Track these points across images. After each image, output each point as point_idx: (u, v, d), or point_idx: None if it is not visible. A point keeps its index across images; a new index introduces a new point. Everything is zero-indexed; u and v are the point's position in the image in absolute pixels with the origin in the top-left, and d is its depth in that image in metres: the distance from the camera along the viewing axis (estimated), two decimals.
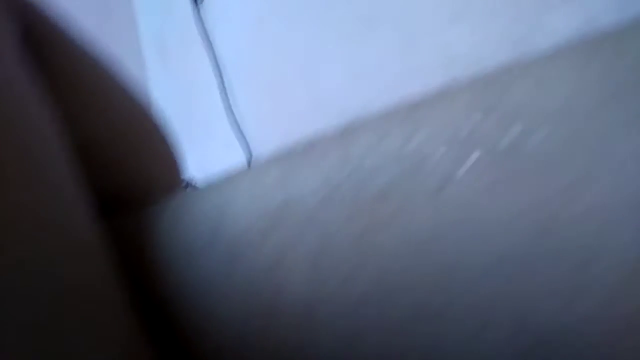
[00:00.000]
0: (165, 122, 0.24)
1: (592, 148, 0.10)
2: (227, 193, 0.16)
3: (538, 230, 0.10)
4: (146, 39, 1.57)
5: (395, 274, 0.12)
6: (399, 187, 0.12)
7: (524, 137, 0.11)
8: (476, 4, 0.80)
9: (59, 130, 0.15)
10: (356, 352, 0.13)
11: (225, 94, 1.27)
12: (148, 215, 0.17)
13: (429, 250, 0.12)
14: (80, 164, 0.16)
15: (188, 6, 1.33)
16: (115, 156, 0.20)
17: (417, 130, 0.13)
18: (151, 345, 0.16)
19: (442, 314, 0.11)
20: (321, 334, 0.13)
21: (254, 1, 1.17)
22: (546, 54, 0.12)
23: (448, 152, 0.12)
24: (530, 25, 0.77)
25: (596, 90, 0.10)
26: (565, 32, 0.73)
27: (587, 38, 0.12)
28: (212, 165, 1.43)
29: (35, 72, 0.15)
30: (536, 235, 0.10)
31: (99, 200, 0.20)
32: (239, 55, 1.26)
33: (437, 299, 0.11)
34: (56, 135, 0.15)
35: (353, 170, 0.13)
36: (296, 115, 1.12)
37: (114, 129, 0.20)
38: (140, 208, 0.18)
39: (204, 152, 1.47)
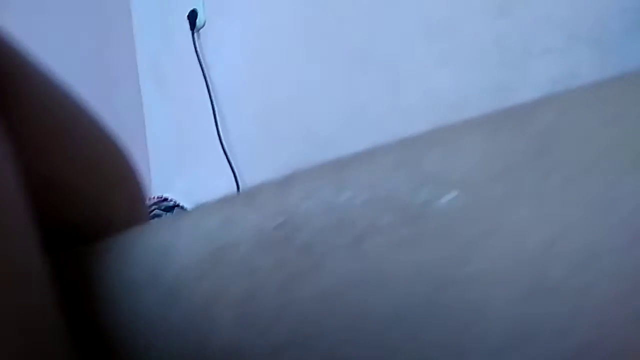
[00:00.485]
0: (128, 153, 0.24)
1: (487, 216, 0.11)
2: (171, 233, 0.16)
3: (435, 288, 0.11)
4: (143, 64, 1.60)
5: (313, 322, 0.13)
6: (322, 240, 0.13)
7: (432, 200, 0.12)
8: (462, 51, 0.83)
9: (10, 161, 0.15)
10: None
11: (217, 122, 1.29)
12: (94, 251, 0.18)
13: (343, 301, 0.12)
14: (38, 196, 0.17)
15: (186, 33, 1.36)
16: (76, 189, 0.21)
17: (344, 186, 0.13)
18: None
19: None
20: None
21: (251, 33, 1.20)
22: (462, 122, 0.13)
23: (368, 209, 0.13)
24: (513, 72, 0.79)
25: (498, 161, 0.11)
26: (547, 81, 0.75)
27: (497, 110, 0.12)
28: (200, 191, 1.43)
29: None
30: (433, 292, 0.11)
31: (59, 232, 0.20)
32: (232, 85, 1.28)
33: (347, 347, 0.12)
34: (7, 165, 0.15)
35: (284, 221, 0.14)
36: (284, 147, 1.13)
37: (74, 163, 0.20)
38: (93, 242, 0.19)
39: (194, 177, 1.47)
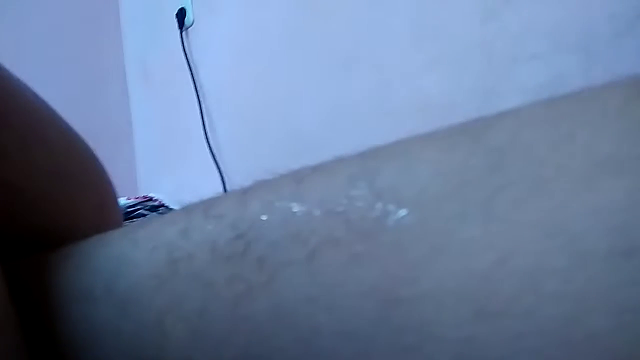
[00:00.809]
0: (95, 158, 0.24)
1: (438, 234, 0.11)
2: (128, 243, 0.16)
3: (385, 306, 0.11)
4: (131, 62, 1.59)
5: (266, 339, 0.12)
6: (277, 254, 0.13)
7: (385, 215, 0.11)
8: (449, 54, 0.83)
9: None
10: None
11: (204, 121, 1.28)
12: (52, 258, 0.17)
13: (295, 317, 0.12)
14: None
15: (174, 32, 1.35)
16: (40, 194, 0.20)
17: (300, 200, 0.13)
18: None
19: None
20: None
21: (239, 33, 1.19)
22: (419, 136, 0.13)
23: (323, 223, 0.12)
24: (500, 77, 0.79)
25: (451, 178, 0.11)
26: (533, 86, 0.75)
27: (454, 124, 0.12)
28: (187, 191, 1.42)
29: None
30: (383, 311, 0.11)
31: (23, 238, 0.20)
32: (220, 84, 1.27)
33: None
34: None
35: (240, 234, 0.14)
36: (272, 147, 1.13)
37: (38, 167, 0.20)
38: (54, 249, 0.18)
39: (180, 177, 1.46)
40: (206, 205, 0.15)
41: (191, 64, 1.30)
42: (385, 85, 0.91)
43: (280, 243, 0.13)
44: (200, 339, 0.13)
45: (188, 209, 0.16)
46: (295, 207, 0.13)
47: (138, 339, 0.14)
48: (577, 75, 0.69)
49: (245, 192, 0.15)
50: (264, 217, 0.13)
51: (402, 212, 0.11)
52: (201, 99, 1.29)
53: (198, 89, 1.29)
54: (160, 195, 1.38)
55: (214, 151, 1.26)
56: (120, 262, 0.16)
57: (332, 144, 0.99)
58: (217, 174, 1.26)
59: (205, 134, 1.27)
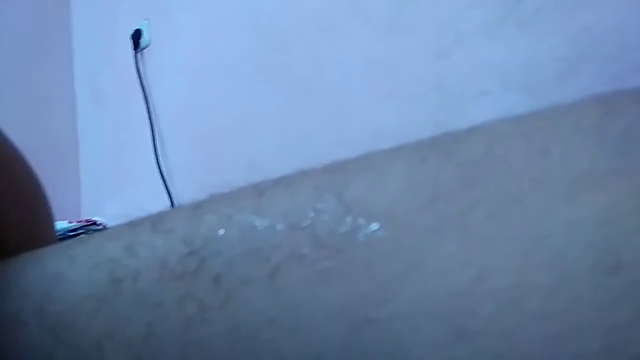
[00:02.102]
0: (28, 167, 0.22)
1: (411, 249, 0.10)
2: (64, 261, 0.14)
3: (354, 328, 0.10)
4: (81, 81, 1.54)
5: None
6: (235, 272, 0.12)
7: (355, 230, 0.11)
8: (404, 89, 0.85)
9: None
10: None
11: (155, 144, 1.25)
12: None
13: (255, 341, 0.11)
14: None
15: (128, 53, 1.32)
16: None
17: (262, 213, 0.12)
18: None
19: None
20: None
21: (196, 57, 1.18)
22: (389, 149, 0.12)
23: (286, 238, 0.11)
24: (451, 111, 0.82)
25: (424, 191, 0.10)
26: (481, 121, 0.78)
27: (425, 138, 0.12)
28: (133, 216, 1.37)
29: None
30: (351, 334, 0.10)
31: None
32: (174, 107, 1.25)
33: None
34: None
35: (193, 250, 0.12)
36: (224, 173, 1.11)
37: None
38: None
39: (127, 201, 1.41)
40: (154, 219, 0.14)
41: (145, 86, 1.28)
42: (341, 116, 0.92)
43: (239, 260, 0.12)
44: None
45: (134, 224, 0.15)
46: (257, 221, 0.12)
47: None
48: (524, 112, 0.72)
49: (199, 205, 0.14)
50: (221, 232, 0.12)
51: (374, 226, 0.10)
52: (154, 122, 1.26)
53: (151, 111, 1.26)
54: (104, 219, 1.32)
55: (165, 175, 1.23)
56: (54, 281, 0.14)
57: (286, 171, 0.99)
58: (167, 199, 1.22)
59: (157, 157, 1.23)
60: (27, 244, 0.20)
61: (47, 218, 0.23)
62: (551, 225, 0.09)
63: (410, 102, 0.85)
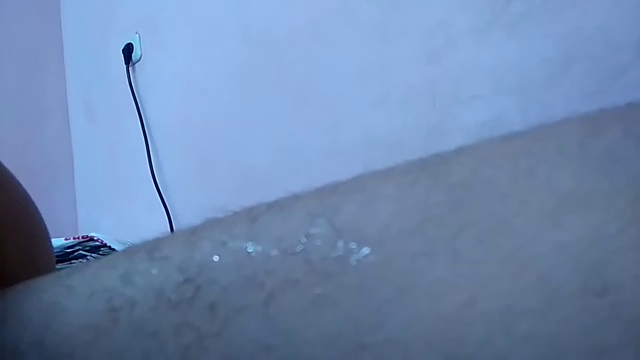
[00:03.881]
0: (29, 200, 0.22)
1: (402, 274, 0.10)
2: (62, 290, 0.14)
3: (347, 354, 0.10)
4: (73, 97, 1.54)
5: None
6: (230, 299, 0.12)
7: (347, 255, 0.11)
8: (395, 93, 0.85)
9: None
10: None
11: (150, 158, 1.25)
12: None
13: None
14: None
15: (120, 68, 1.32)
16: None
17: (255, 240, 0.12)
18: None
19: None
20: None
21: (188, 70, 1.18)
22: (378, 172, 0.12)
23: (280, 264, 0.12)
24: (443, 116, 0.82)
25: (413, 215, 0.11)
26: (475, 125, 0.78)
27: (414, 160, 0.12)
28: (130, 230, 1.36)
29: None
30: (346, 358, 0.10)
31: None
32: (167, 120, 1.25)
33: None
34: None
35: (189, 278, 0.12)
36: (220, 185, 1.11)
37: None
38: None
39: (124, 215, 1.41)
40: (150, 247, 0.14)
41: (138, 100, 1.28)
42: (334, 122, 0.92)
43: (234, 287, 0.12)
44: None
45: (130, 251, 0.15)
46: (250, 247, 0.12)
47: None
48: (515, 114, 0.72)
49: (194, 231, 0.14)
50: (215, 259, 0.12)
51: (365, 250, 0.11)
52: (148, 136, 1.26)
53: (145, 125, 1.26)
54: (101, 235, 1.31)
55: (160, 188, 1.22)
56: (52, 311, 0.14)
57: (282, 182, 0.99)
58: (164, 213, 1.22)
59: (152, 171, 1.23)
60: (26, 271, 0.20)
61: (45, 242, 0.23)
62: (538, 248, 0.09)
63: (403, 107, 0.85)
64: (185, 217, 1.18)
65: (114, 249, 1.21)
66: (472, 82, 0.78)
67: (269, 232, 0.12)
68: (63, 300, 0.14)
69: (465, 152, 0.12)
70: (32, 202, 0.23)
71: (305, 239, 0.11)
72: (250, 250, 0.12)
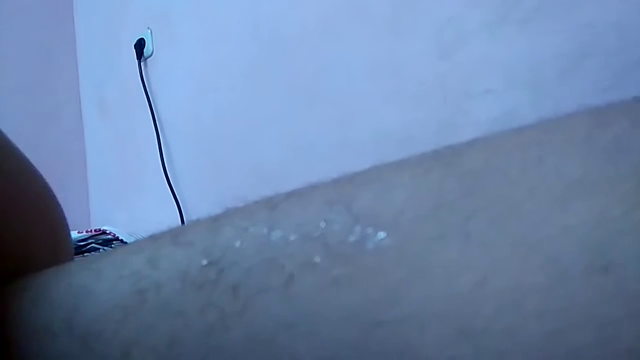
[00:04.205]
0: (47, 187, 0.23)
1: (417, 256, 0.11)
2: (90, 274, 0.15)
3: (365, 330, 0.11)
4: (86, 92, 1.55)
5: None
6: (252, 281, 0.12)
7: (364, 239, 0.11)
8: (407, 88, 0.85)
9: None
10: None
11: (161, 153, 1.26)
12: (7, 291, 0.16)
13: (273, 345, 0.12)
14: None
15: (132, 63, 1.34)
16: None
17: (275, 225, 0.13)
18: None
19: None
20: None
21: (199, 65, 1.19)
22: (392, 162, 0.13)
23: (299, 248, 0.12)
24: (455, 111, 0.82)
25: (427, 200, 0.11)
26: (487, 120, 0.78)
27: (427, 151, 0.13)
28: (142, 224, 1.38)
29: None
30: (363, 335, 0.11)
31: None
32: (179, 115, 1.26)
33: None
34: None
35: (212, 261, 0.13)
36: (231, 180, 1.12)
37: None
38: (8, 282, 0.17)
39: (136, 209, 1.42)
40: (174, 233, 0.15)
41: (150, 95, 1.29)
42: (345, 119, 0.93)
43: (256, 269, 0.12)
44: None
45: (155, 237, 0.15)
46: (271, 233, 0.13)
47: None
48: (528, 109, 0.72)
49: (216, 219, 0.15)
50: (237, 244, 0.13)
51: (381, 234, 0.11)
52: (159, 130, 1.27)
53: (156, 120, 1.28)
54: (114, 228, 1.33)
55: (172, 182, 1.24)
56: (81, 294, 0.15)
57: (293, 178, 1.00)
58: (175, 207, 1.23)
59: (163, 165, 1.25)
60: (49, 259, 0.21)
61: (65, 233, 0.23)
62: (546, 230, 0.10)
63: (414, 102, 0.85)
64: (196, 212, 1.19)
65: (125, 242, 1.22)
66: (483, 77, 0.78)
67: (289, 219, 0.13)
68: (91, 283, 0.15)
69: (476, 143, 0.12)
70: (53, 193, 0.24)
71: (324, 224, 0.12)
72: (271, 236, 0.13)
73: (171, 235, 0.15)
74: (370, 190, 0.12)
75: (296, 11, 0.98)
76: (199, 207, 1.20)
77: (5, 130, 0.23)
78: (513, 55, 0.73)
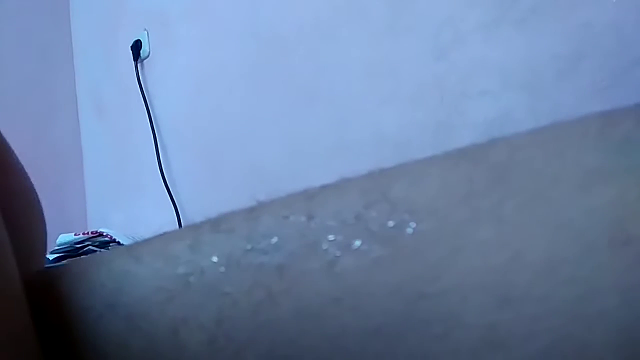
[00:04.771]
0: (32, 191, 0.22)
1: (453, 237, 0.12)
2: (130, 260, 0.16)
3: (410, 303, 0.12)
4: (83, 93, 1.55)
5: (289, 343, 0.13)
6: (295, 263, 0.13)
7: (401, 224, 0.13)
8: (403, 89, 0.86)
9: None
10: None
11: (159, 154, 1.26)
12: (46, 277, 0.17)
13: (319, 320, 0.13)
14: None
15: (129, 64, 1.34)
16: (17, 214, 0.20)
17: (314, 214, 0.14)
18: None
19: None
20: None
21: (197, 66, 1.19)
22: (421, 159, 0.14)
23: (338, 235, 0.13)
24: (452, 112, 0.83)
25: (459, 189, 0.12)
26: (483, 121, 0.79)
27: (453, 149, 0.14)
28: (139, 226, 1.38)
29: None
30: (408, 307, 0.12)
31: None
32: (176, 117, 1.26)
33: None
34: None
35: (255, 247, 0.14)
36: (228, 182, 1.12)
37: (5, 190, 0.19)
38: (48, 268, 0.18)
39: (133, 211, 1.42)
40: (213, 222, 0.16)
41: (146, 96, 1.29)
42: (343, 120, 0.94)
43: (299, 253, 0.14)
44: (219, 348, 0.14)
45: (193, 226, 0.16)
46: (310, 220, 0.14)
47: (150, 351, 0.15)
48: (524, 111, 0.73)
49: (253, 209, 0.16)
50: (278, 230, 0.14)
51: (418, 218, 0.12)
52: (156, 132, 1.28)
53: (153, 121, 1.28)
54: (110, 230, 1.33)
55: (169, 184, 1.24)
56: (123, 277, 0.16)
57: (291, 179, 1.00)
58: (172, 208, 1.24)
59: (160, 167, 1.25)
60: (43, 256, 0.21)
61: (43, 247, 0.23)
62: (572, 212, 0.11)
63: (411, 103, 0.86)
64: (194, 214, 1.19)
65: (122, 244, 1.22)
66: (480, 78, 0.79)
67: (327, 207, 0.14)
68: (132, 268, 0.16)
69: (498, 142, 0.14)
70: (37, 195, 0.24)
71: (363, 210, 0.13)
72: (311, 223, 0.14)
73: (210, 224, 0.16)
74: (403, 181, 0.13)
75: (293, 12, 0.99)
76: (196, 209, 1.20)
77: (2, 131, 0.23)
78: (510, 56, 0.74)
